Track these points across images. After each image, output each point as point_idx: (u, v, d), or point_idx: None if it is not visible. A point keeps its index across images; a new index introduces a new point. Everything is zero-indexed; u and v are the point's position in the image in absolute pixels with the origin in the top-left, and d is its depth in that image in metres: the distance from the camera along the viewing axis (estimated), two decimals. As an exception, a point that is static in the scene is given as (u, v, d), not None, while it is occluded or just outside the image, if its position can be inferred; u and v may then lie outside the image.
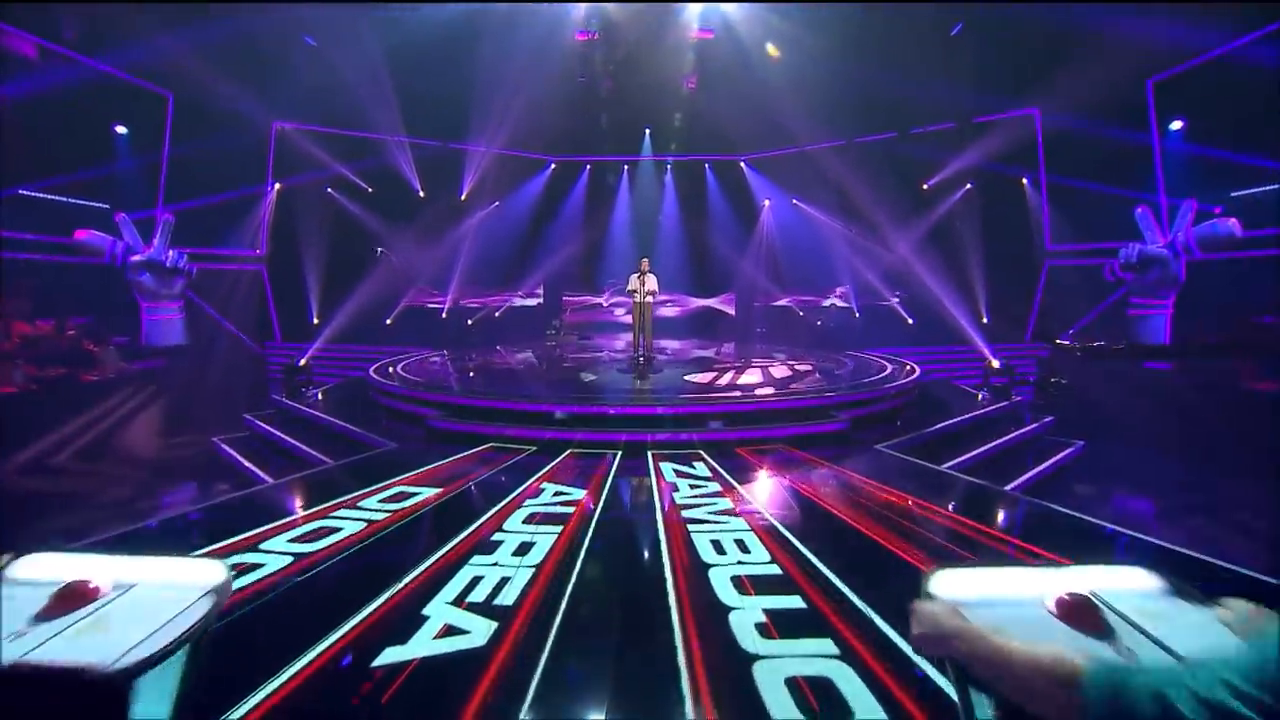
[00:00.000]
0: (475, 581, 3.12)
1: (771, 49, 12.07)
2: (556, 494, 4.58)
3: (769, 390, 7.65)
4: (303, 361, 8.96)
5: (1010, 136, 13.11)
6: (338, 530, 3.80)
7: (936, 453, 6.26)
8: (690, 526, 3.91)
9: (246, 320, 13.11)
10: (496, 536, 3.73)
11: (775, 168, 15.94)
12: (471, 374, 9.65)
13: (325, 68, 11.59)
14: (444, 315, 15.52)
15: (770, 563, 3.36)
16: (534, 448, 5.97)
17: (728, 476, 5.03)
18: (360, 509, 4.19)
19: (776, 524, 3.94)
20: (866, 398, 7.31)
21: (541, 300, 17.12)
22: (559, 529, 3.86)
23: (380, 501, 4.36)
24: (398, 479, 4.88)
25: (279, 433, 7.23)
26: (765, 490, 4.79)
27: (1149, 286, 10.21)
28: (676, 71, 12.86)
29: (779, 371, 9.24)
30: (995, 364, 8.35)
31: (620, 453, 5.77)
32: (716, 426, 6.37)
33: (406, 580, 3.12)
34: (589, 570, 3.30)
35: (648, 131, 15.60)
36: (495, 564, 3.34)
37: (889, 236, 14.06)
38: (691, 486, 4.76)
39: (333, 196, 14.47)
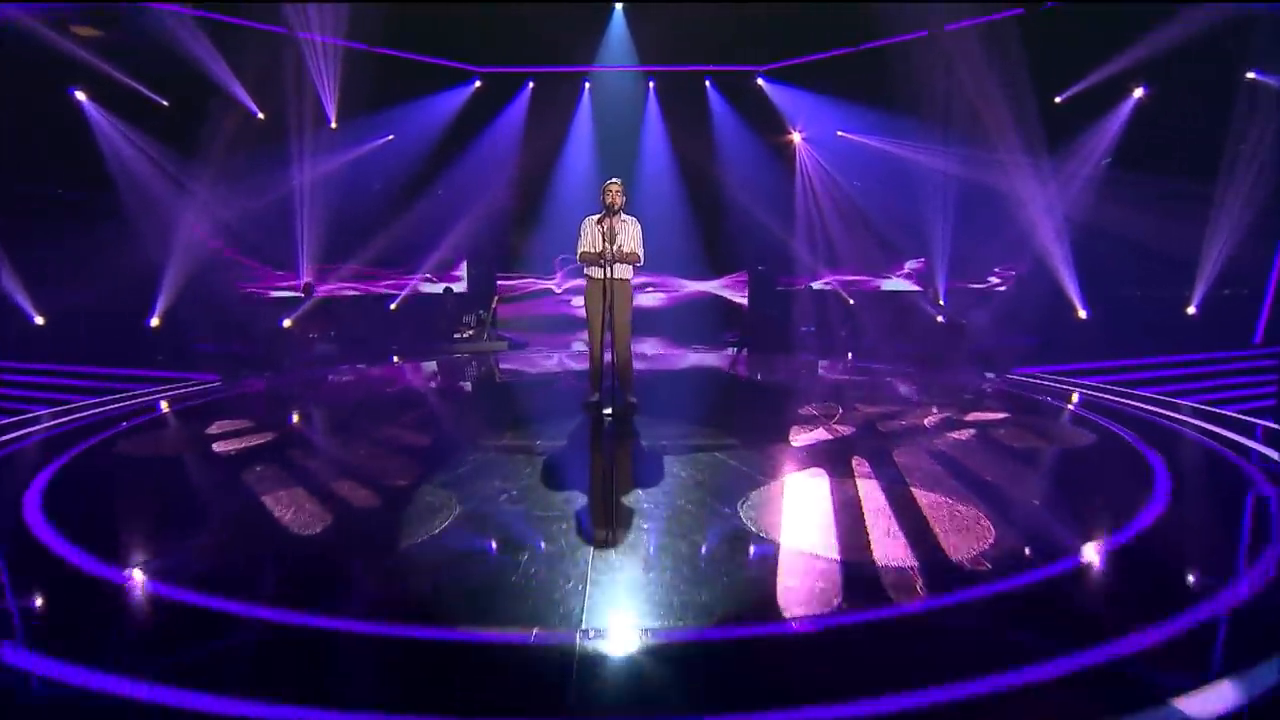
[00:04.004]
0: None
1: None
2: None
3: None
4: None
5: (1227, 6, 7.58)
6: None
7: None
8: None
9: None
10: None
11: (814, 80, 10.25)
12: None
13: None
14: (300, 294, 9.70)
15: None
16: None
17: None
18: None
19: None
20: None
21: (464, 286, 11.44)
22: None
23: None
24: None
25: None
26: None
27: None
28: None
29: (979, 462, 3.66)
30: None
31: None
32: None
33: None
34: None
35: (618, 7, 9.44)
36: None
37: (1014, 175, 8.65)
38: None
39: (82, 108, 8.28)
